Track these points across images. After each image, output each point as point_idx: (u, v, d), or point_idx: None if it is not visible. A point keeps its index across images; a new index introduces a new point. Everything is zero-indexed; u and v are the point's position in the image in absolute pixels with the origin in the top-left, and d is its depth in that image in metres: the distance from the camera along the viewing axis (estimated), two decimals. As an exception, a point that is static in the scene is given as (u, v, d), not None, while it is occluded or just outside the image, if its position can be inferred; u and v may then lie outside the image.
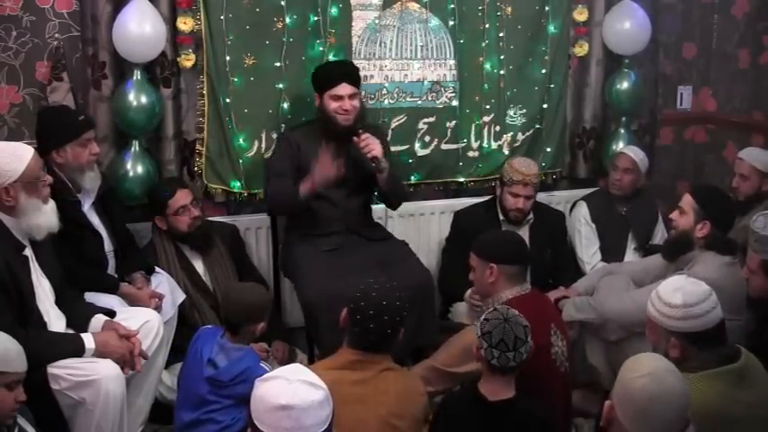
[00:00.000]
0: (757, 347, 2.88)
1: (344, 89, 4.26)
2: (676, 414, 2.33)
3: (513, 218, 4.67)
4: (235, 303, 3.52)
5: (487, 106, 5.18)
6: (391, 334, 3.04)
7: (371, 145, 4.19)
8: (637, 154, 5.00)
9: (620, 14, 5.19)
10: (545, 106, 5.31)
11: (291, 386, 2.25)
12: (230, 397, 3.42)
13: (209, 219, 4.60)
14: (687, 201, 3.85)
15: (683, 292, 2.80)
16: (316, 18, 4.73)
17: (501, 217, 4.73)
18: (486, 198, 4.94)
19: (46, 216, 3.37)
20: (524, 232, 4.70)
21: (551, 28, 5.22)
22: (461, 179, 5.26)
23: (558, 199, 5.40)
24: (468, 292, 4.36)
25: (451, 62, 5.07)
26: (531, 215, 4.76)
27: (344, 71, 4.36)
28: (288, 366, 2.39)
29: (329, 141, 4.31)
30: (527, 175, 4.62)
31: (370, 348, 3.05)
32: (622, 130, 5.41)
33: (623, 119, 5.42)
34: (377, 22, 4.90)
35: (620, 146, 5.32)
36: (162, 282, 4.13)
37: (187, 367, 3.55)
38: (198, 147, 4.67)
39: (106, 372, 3.24)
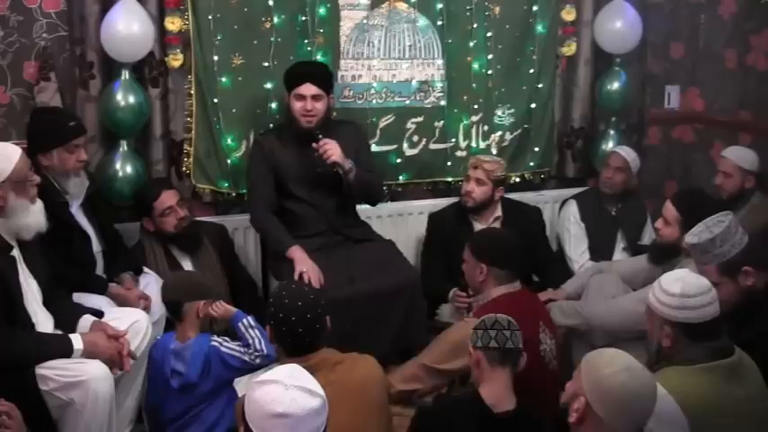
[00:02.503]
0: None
1: (308, 89, 4.27)
2: (652, 405, 2.39)
3: (464, 203, 4.71)
4: (169, 288, 3.61)
5: (475, 106, 5.19)
6: (320, 327, 2.99)
7: (330, 151, 4.20)
8: (629, 154, 5.02)
9: (612, 13, 5.22)
10: (533, 106, 5.31)
11: (289, 393, 2.21)
12: (211, 391, 3.44)
13: (198, 219, 4.59)
14: (670, 212, 3.85)
15: (683, 283, 2.82)
16: (304, 18, 4.73)
17: (470, 215, 4.75)
18: (458, 199, 4.91)
19: (34, 216, 3.36)
20: None
21: (539, 28, 5.22)
22: (450, 179, 5.26)
23: (546, 198, 5.41)
24: (452, 292, 4.37)
25: (440, 62, 5.08)
26: (500, 212, 4.77)
27: (310, 71, 4.38)
28: (284, 367, 2.35)
29: (298, 143, 4.35)
30: (479, 159, 4.75)
31: (309, 349, 2.98)
32: (612, 131, 5.44)
33: (613, 119, 5.44)
34: (365, 21, 4.90)
35: (609, 145, 5.35)
36: (150, 282, 4.13)
37: (156, 389, 3.55)
38: (186, 147, 4.67)
39: (94, 372, 3.23)
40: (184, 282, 3.63)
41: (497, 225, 4.73)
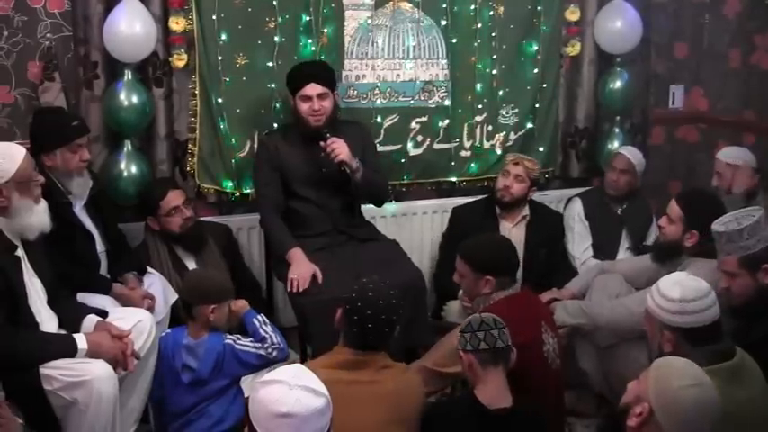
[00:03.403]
0: (744, 347, 2.87)
1: (313, 89, 4.26)
2: (715, 423, 2.34)
3: (500, 198, 4.74)
4: (182, 289, 3.70)
5: (480, 106, 5.19)
6: (389, 332, 3.04)
7: (337, 149, 4.19)
8: (634, 155, 5.01)
9: (612, 13, 5.21)
10: (537, 106, 5.32)
11: (293, 393, 2.22)
12: (222, 388, 3.50)
13: (202, 219, 4.60)
14: (674, 210, 3.83)
15: (681, 287, 2.81)
16: (308, 18, 4.73)
17: (498, 210, 4.79)
18: (484, 196, 4.98)
19: (38, 216, 3.37)
20: (520, 229, 4.75)
21: (543, 28, 5.22)
22: (454, 179, 5.26)
23: (550, 198, 5.41)
24: (462, 291, 4.38)
25: (444, 62, 5.07)
26: (528, 212, 4.82)
27: (313, 71, 4.36)
28: (289, 368, 2.36)
29: (304, 142, 4.34)
30: (519, 157, 4.83)
31: (368, 347, 3.04)
32: (616, 129, 5.45)
33: (617, 118, 5.44)
34: (369, 21, 4.90)
35: (614, 145, 5.35)
36: (154, 282, 4.14)
37: (163, 381, 3.58)
38: (190, 147, 4.67)
39: (98, 372, 3.23)
40: (194, 284, 3.63)
41: (524, 225, 4.80)
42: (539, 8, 5.19)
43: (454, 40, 5.06)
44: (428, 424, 3.08)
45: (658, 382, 2.36)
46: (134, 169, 4.46)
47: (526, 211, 4.82)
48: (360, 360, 3.04)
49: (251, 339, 3.54)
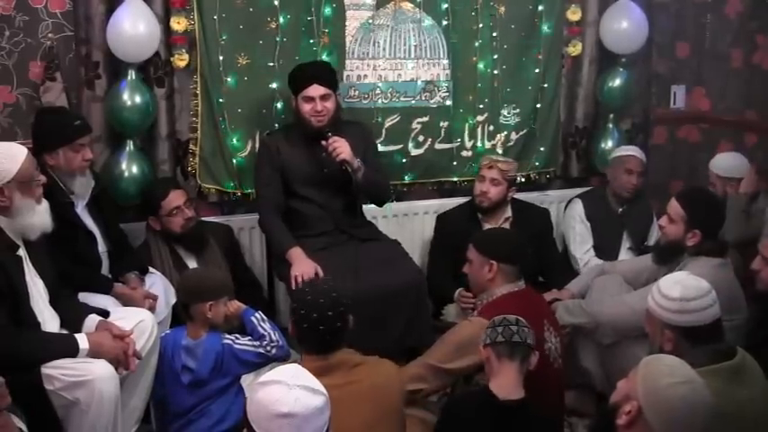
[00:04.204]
0: (759, 343, 2.88)
1: (315, 90, 4.26)
2: (708, 424, 2.31)
3: (479, 204, 4.73)
4: (187, 282, 3.69)
5: (481, 106, 5.19)
6: (342, 326, 2.99)
7: (339, 148, 4.20)
8: (642, 155, 5.04)
9: (617, 13, 5.20)
10: (538, 106, 5.31)
11: (292, 392, 2.22)
12: (223, 387, 3.49)
13: (203, 219, 4.60)
14: (675, 209, 3.81)
15: (682, 286, 2.82)
16: (309, 18, 4.73)
17: (480, 216, 4.77)
18: (467, 199, 4.95)
19: (39, 216, 3.37)
20: None
21: (545, 28, 5.22)
22: (455, 179, 5.27)
23: (551, 198, 5.41)
24: (458, 292, 4.38)
25: (445, 62, 5.07)
26: (510, 212, 4.80)
27: (315, 72, 4.36)
28: (286, 368, 2.36)
29: (305, 142, 4.35)
30: (493, 160, 4.77)
31: (329, 348, 2.99)
32: (611, 125, 5.44)
33: (613, 116, 5.44)
34: (370, 21, 4.91)
35: (608, 144, 5.35)
36: (156, 282, 4.14)
37: (164, 381, 3.59)
38: (191, 147, 4.68)
39: (100, 372, 3.23)
40: (190, 284, 3.64)
41: (507, 226, 4.75)
42: (540, 8, 5.19)
43: (455, 40, 5.06)
44: (445, 415, 3.11)
45: (646, 380, 2.34)
46: (135, 169, 4.46)
47: (508, 212, 4.80)
48: (327, 364, 2.96)
49: (249, 338, 3.54)
